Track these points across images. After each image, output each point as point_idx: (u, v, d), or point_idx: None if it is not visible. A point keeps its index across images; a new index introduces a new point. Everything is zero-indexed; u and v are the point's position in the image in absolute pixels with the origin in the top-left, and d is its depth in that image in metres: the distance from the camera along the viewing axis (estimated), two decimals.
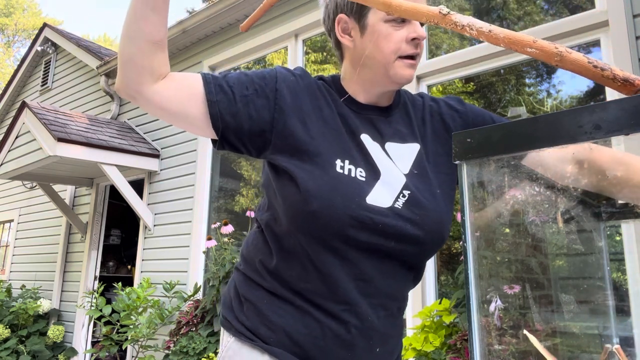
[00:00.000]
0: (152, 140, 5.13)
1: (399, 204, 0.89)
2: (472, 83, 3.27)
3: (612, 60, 2.32)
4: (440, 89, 3.34)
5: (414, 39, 0.88)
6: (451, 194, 0.97)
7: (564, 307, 0.68)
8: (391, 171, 0.92)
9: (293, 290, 0.90)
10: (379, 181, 0.90)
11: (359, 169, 0.90)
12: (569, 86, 2.84)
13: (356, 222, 0.86)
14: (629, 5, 2.29)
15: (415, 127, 0.99)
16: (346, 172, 0.88)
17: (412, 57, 0.90)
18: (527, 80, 3.08)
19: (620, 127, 0.34)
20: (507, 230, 0.67)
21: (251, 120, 0.87)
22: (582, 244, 0.75)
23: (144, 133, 5.26)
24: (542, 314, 0.69)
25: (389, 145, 0.95)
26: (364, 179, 0.89)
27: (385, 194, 0.89)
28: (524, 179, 0.57)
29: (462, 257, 0.59)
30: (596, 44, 2.48)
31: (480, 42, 3.06)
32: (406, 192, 0.91)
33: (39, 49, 7.08)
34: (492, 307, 0.56)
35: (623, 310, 0.76)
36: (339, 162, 0.88)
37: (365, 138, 0.93)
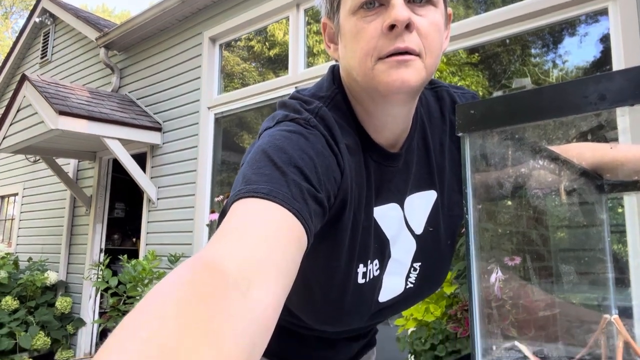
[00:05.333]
0: (154, 114, 5.10)
1: (411, 280, 0.80)
2: (476, 54, 3.22)
3: (620, 29, 2.28)
4: (444, 60, 3.29)
5: (390, 27, 0.60)
6: (457, 232, 0.86)
7: (564, 278, 0.69)
8: (403, 242, 0.77)
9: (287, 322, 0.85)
10: (389, 263, 0.77)
11: (375, 262, 0.75)
12: (575, 56, 2.79)
13: (368, 321, 0.82)
14: None
15: (434, 164, 0.78)
16: (367, 279, 0.74)
17: (397, 53, 0.61)
18: (532, 51, 3.03)
19: (625, 98, 0.33)
20: (509, 202, 0.67)
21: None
22: (584, 216, 0.75)
23: (146, 106, 5.23)
24: (542, 285, 0.69)
25: (408, 201, 0.77)
26: (378, 273, 0.76)
27: (396, 279, 0.79)
28: (527, 151, 0.57)
29: (463, 230, 0.61)
30: (604, 12, 2.43)
31: (485, 10, 3.00)
32: (417, 265, 0.80)
33: (37, 20, 6.98)
34: (492, 279, 0.57)
35: (623, 281, 0.77)
36: (361, 269, 0.73)
37: (379, 211, 0.74)
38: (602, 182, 0.69)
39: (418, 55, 0.62)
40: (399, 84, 0.61)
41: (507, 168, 0.59)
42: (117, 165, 5.51)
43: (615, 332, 0.57)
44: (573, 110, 0.35)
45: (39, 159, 6.24)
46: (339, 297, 0.72)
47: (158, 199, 4.85)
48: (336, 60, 0.74)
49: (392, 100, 0.66)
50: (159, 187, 4.86)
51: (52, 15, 6.82)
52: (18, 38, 7.52)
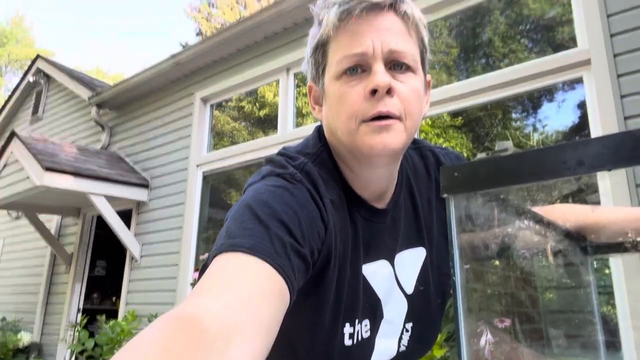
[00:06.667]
0: (142, 170, 5.11)
1: (404, 342, 0.78)
2: (460, 117, 3.34)
3: (595, 97, 2.39)
4: (430, 122, 3.40)
5: (372, 91, 0.64)
6: (447, 291, 0.84)
7: (554, 341, 0.68)
8: (395, 302, 0.76)
9: None
10: (382, 324, 0.75)
11: (364, 323, 0.72)
12: (554, 121, 2.90)
13: None
14: (610, 45, 2.37)
15: (422, 221, 0.79)
16: (354, 341, 0.71)
17: (379, 117, 0.65)
18: (513, 115, 3.15)
19: (603, 163, 0.34)
20: (497, 263, 0.68)
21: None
22: (571, 277, 0.75)
23: (134, 163, 5.24)
24: (532, 348, 0.68)
25: (398, 258, 0.76)
26: (368, 334, 0.73)
27: (389, 342, 0.76)
28: (511, 212, 0.58)
29: (451, 290, 0.60)
30: (579, 81, 2.56)
31: (467, 77, 3.14)
32: (409, 326, 0.78)
33: (31, 79, 7.11)
34: (482, 341, 0.56)
35: (614, 344, 0.76)
36: (347, 329, 0.70)
37: (369, 269, 0.73)
38: (586, 244, 0.70)
39: (398, 118, 0.65)
40: (381, 147, 0.64)
41: (492, 229, 0.59)
42: (101, 222, 5.43)
43: None
44: (553, 175, 0.37)
45: (22, 215, 6.13)
46: (324, 359, 0.69)
47: (141, 256, 4.74)
48: (321, 121, 0.77)
49: (375, 162, 0.68)
50: (142, 245, 4.77)
51: (46, 75, 6.96)
52: (10, 96, 7.62)
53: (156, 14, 49.59)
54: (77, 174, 4.43)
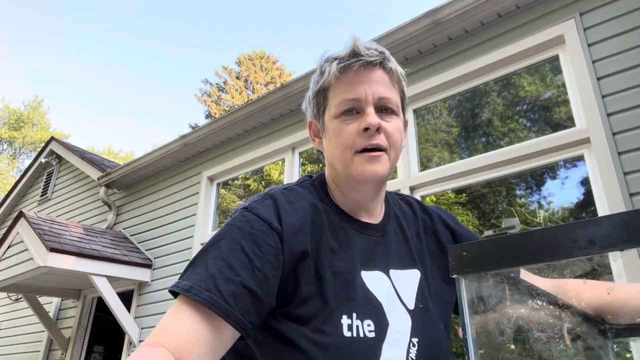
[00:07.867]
0: (146, 250, 5.07)
1: (412, 356, 0.78)
2: (464, 194, 3.35)
3: (598, 174, 2.41)
4: (434, 199, 3.41)
5: (365, 129, 0.80)
6: (450, 321, 0.89)
7: None
8: (399, 314, 0.80)
9: None
10: (388, 331, 0.78)
11: (366, 322, 0.76)
12: (559, 198, 2.90)
13: None
14: (607, 124, 2.43)
15: (413, 248, 0.89)
16: (354, 334, 0.74)
17: (369, 149, 0.81)
18: (517, 192, 3.15)
19: (614, 243, 0.34)
20: (513, 347, 0.64)
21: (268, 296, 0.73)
22: None
23: (139, 242, 5.22)
24: None
25: (393, 274, 0.84)
26: (373, 335, 0.76)
27: (396, 350, 0.77)
28: (525, 293, 0.56)
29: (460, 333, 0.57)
30: (581, 158, 2.59)
31: (469, 155, 3.20)
32: (415, 340, 0.80)
33: (44, 160, 7.30)
34: None
35: None
36: (345, 320, 0.75)
37: (367, 275, 0.81)
38: (604, 327, 0.67)
39: (385, 150, 0.82)
40: (371, 174, 0.81)
41: (506, 310, 0.57)
42: (101, 304, 5.30)
43: None
44: (564, 255, 0.36)
45: (21, 298, 6.01)
46: (329, 350, 0.72)
47: (140, 341, 4.56)
48: (318, 151, 0.93)
49: (365, 186, 0.84)
50: (142, 328, 4.61)
51: (58, 156, 7.16)
52: (21, 177, 7.78)
53: (170, 100, 52.04)
54: (80, 254, 4.39)
